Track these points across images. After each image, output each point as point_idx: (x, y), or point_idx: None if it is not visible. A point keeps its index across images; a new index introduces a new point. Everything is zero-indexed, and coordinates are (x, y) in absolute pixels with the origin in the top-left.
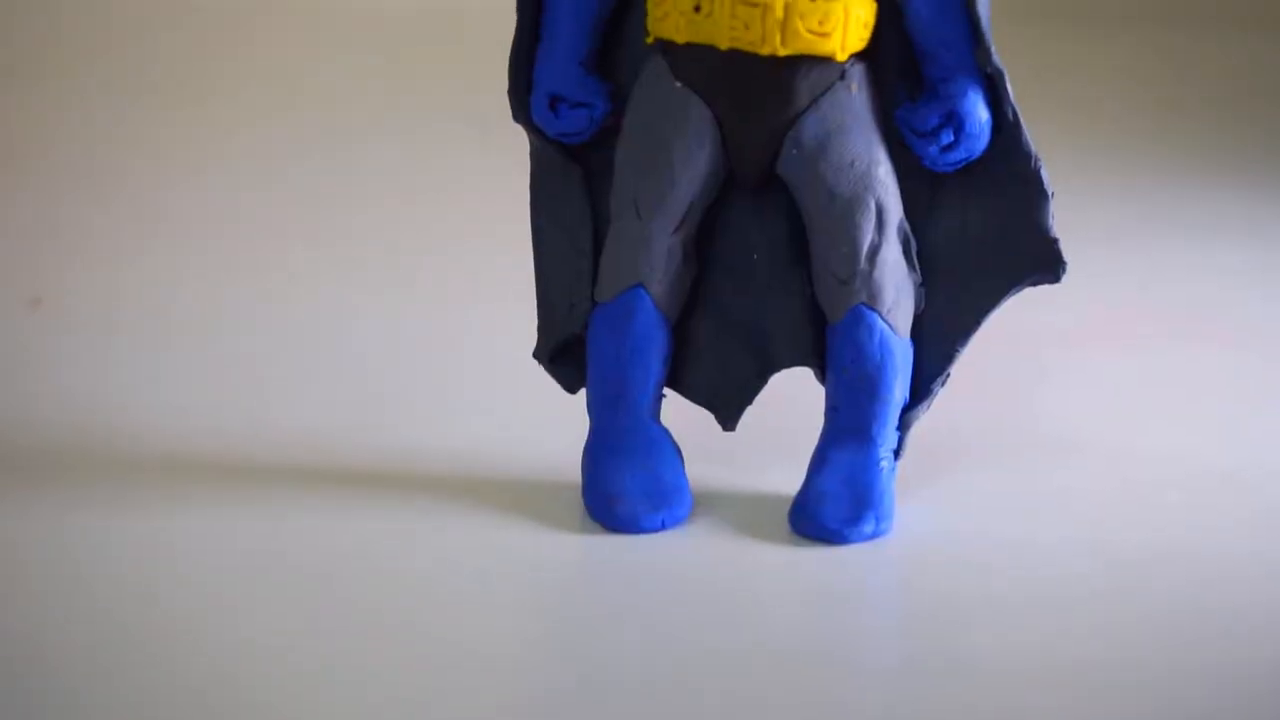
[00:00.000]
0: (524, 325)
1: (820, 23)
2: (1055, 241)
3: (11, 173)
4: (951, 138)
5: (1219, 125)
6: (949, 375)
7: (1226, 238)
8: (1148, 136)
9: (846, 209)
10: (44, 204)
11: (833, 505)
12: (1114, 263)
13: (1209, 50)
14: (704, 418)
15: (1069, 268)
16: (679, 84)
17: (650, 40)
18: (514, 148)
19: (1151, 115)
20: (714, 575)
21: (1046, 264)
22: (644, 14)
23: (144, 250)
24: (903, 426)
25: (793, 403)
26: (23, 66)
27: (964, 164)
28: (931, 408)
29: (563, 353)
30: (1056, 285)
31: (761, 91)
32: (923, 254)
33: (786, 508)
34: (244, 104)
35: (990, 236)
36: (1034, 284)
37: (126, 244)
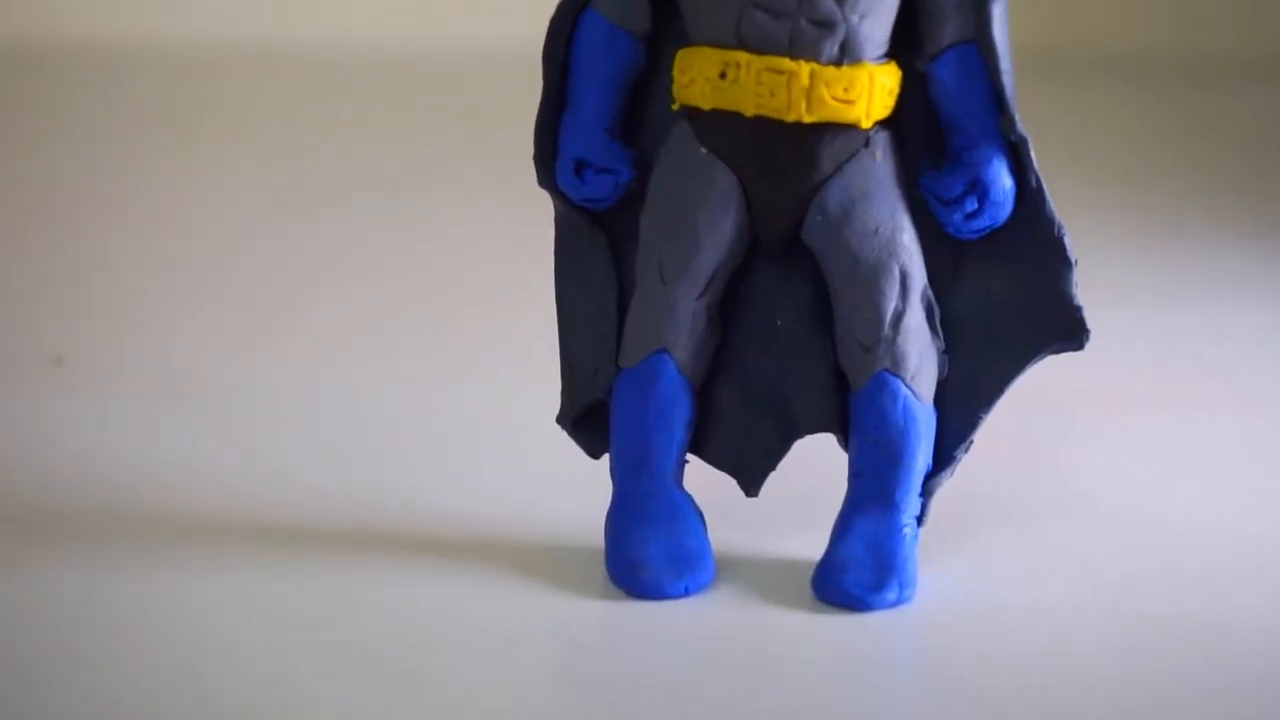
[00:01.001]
0: (548, 389)
1: (845, 90)
2: (1079, 309)
3: (33, 233)
4: (975, 205)
5: (1238, 183)
6: (972, 442)
7: (1247, 298)
8: (1166, 194)
9: (870, 275)
10: (65, 264)
11: (856, 572)
12: (1132, 322)
13: (1227, 106)
14: (727, 483)
15: (1092, 335)
16: (704, 150)
17: (676, 107)
18: (540, 209)
19: (1170, 173)
20: (737, 642)
21: (1070, 332)
22: (669, 80)
23: (165, 311)
24: (926, 493)
25: (816, 468)
26: (42, 127)
27: (988, 231)
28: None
29: (586, 417)
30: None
31: (787, 158)
32: (946, 321)
33: (810, 574)
34: (266, 165)
35: (1014, 304)
36: (1057, 351)
37: (147, 304)
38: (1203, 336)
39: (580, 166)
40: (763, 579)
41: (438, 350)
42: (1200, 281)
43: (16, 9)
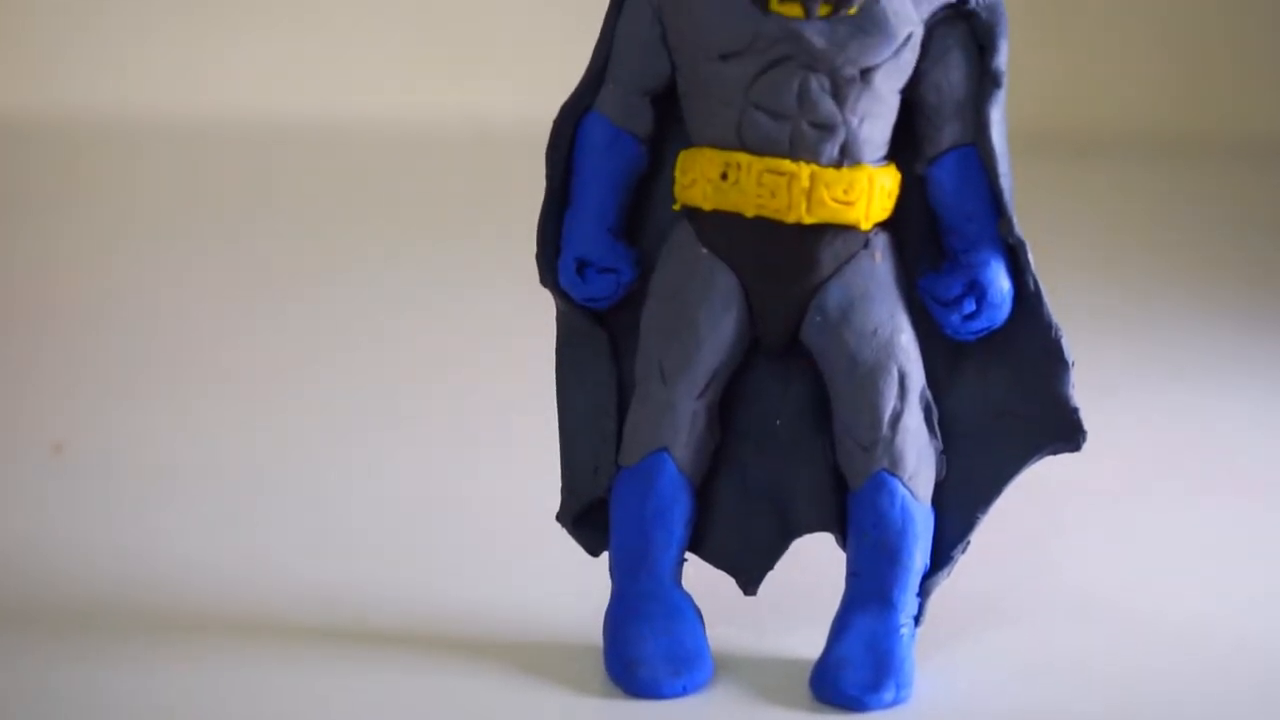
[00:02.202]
0: (549, 484)
1: (845, 192)
2: (1075, 411)
3: (31, 315)
4: (974, 307)
5: (1232, 262)
6: (969, 543)
7: (1243, 380)
8: (1157, 273)
9: (869, 376)
10: (65, 347)
11: (853, 671)
12: (1129, 406)
13: (1224, 183)
14: (725, 581)
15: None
16: (705, 250)
17: (677, 207)
18: (544, 295)
19: (1161, 251)
20: None
21: (1067, 433)
22: (671, 181)
23: (165, 394)
24: (923, 593)
25: (814, 567)
26: (41, 204)
27: (985, 333)
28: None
29: (587, 515)
30: None
31: (787, 259)
32: (944, 421)
33: (808, 672)
34: (266, 243)
35: (1011, 405)
36: (1054, 452)
37: (147, 388)
38: (1199, 419)
39: (582, 266)
40: (761, 677)
41: (438, 442)
42: (1196, 362)
43: (14, 83)
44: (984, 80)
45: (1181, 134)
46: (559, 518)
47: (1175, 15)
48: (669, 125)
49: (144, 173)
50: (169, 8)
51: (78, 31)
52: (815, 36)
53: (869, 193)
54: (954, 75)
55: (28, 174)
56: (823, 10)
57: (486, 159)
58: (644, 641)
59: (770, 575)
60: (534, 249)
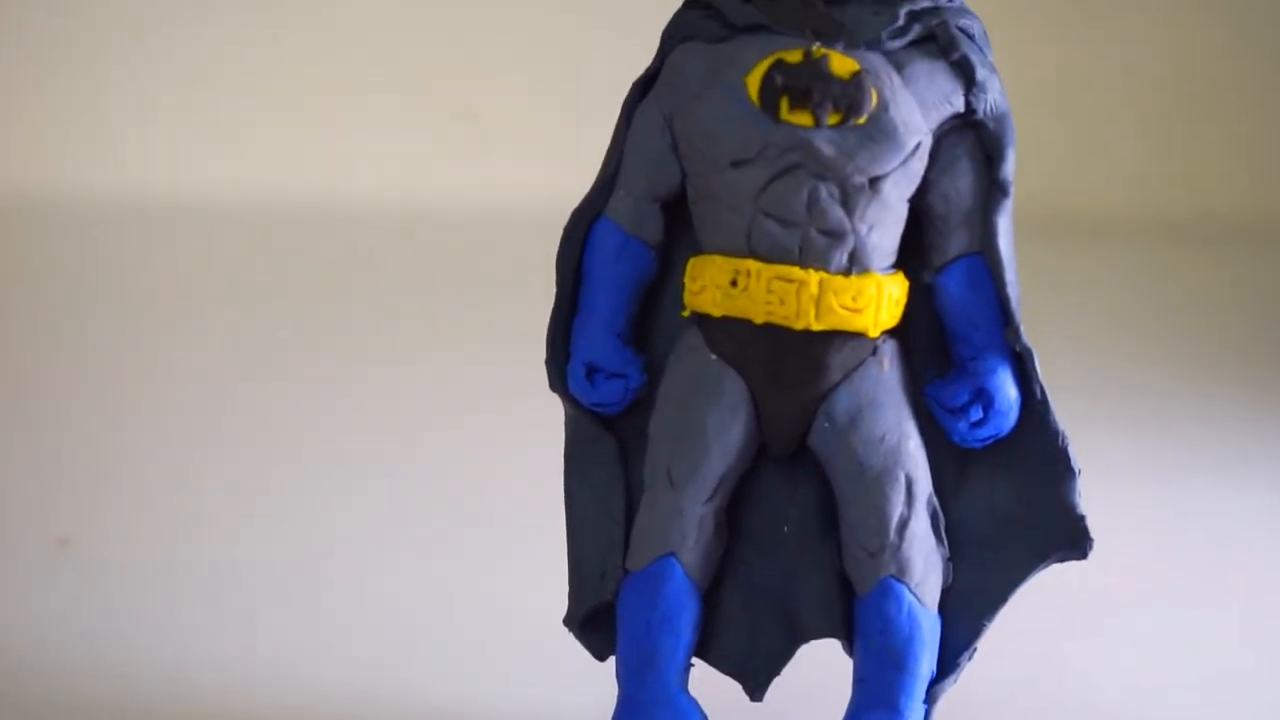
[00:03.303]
0: (554, 588)
1: (854, 299)
2: (1082, 519)
3: (35, 408)
4: (981, 414)
5: (1242, 352)
6: (976, 649)
7: (1254, 476)
8: (1165, 364)
9: (876, 482)
10: (71, 443)
11: None
12: (1134, 504)
13: (1225, 268)
14: (732, 686)
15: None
16: (714, 356)
17: (687, 313)
18: (550, 407)
19: (1169, 340)
20: None
21: (1073, 541)
22: (680, 287)
23: (171, 489)
24: (929, 700)
25: (820, 673)
26: (40, 291)
27: (992, 440)
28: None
29: (594, 619)
30: None
31: (795, 366)
32: (950, 528)
33: None
34: (269, 330)
35: (1017, 512)
36: (1060, 560)
37: (153, 482)
38: (1205, 518)
39: (591, 371)
40: None
41: (444, 541)
42: (1203, 459)
43: (11, 164)
44: (992, 190)
45: (1180, 218)
46: (566, 621)
47: (1169, 99)
48: (678, 231)
49: (147, 257)
50: (168, 88)
51: (74, 112)
52: (825, 145)
53: (877, 300)
54: (962, 184)
55: (25, 258)
56: (832, 119)
57: (496, 242)
58: None
59: (777, 681)
60: (544, 353)
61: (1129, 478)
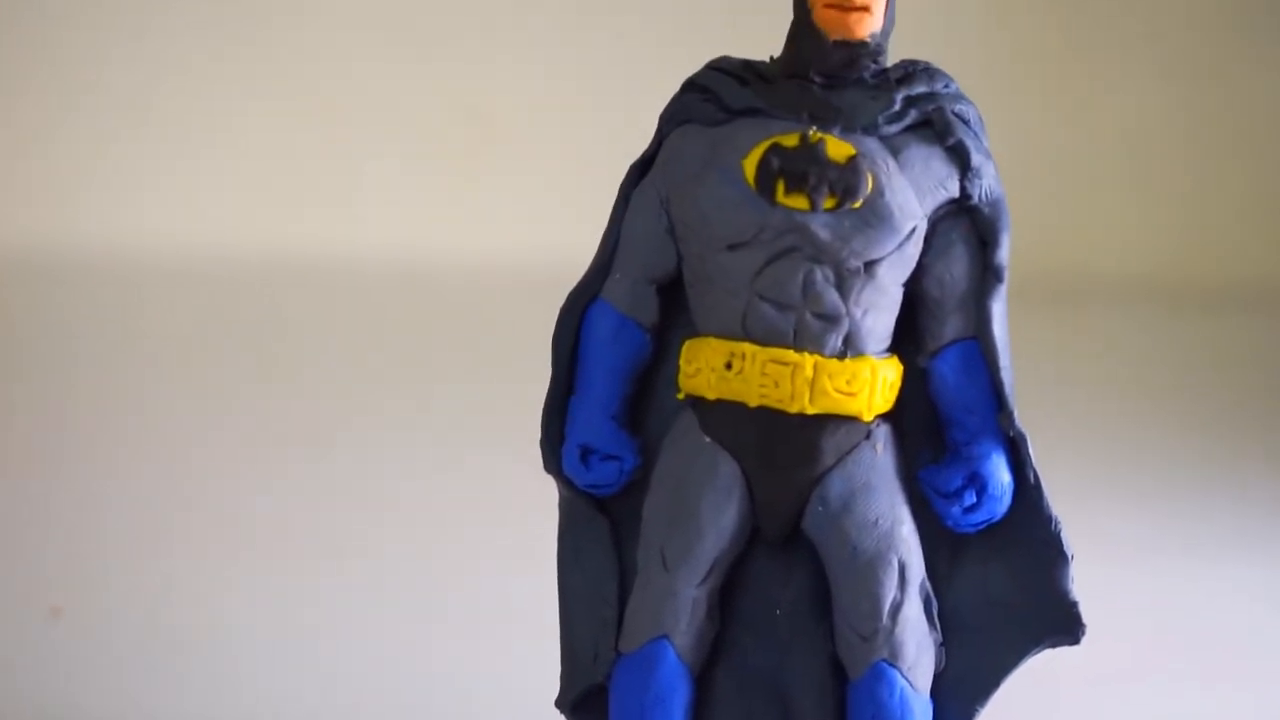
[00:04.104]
0: (546, 669)
1: (848, 383)
2: (1075, 605)
3: (28, 472)
4: (974, 499)
5: (1247, 424)
6: None
7: (1256, 551)
8: (1165, 435)
9: (869, 566)
10: (64, 511)
11: None
12: (1126, 581)
13: (1236, 337)
14: None
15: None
16: (708, 439)
17: (681, 396)
18: (543, 486)
19: (1170, 410)
20: None
21: (1066, 627)
22: (676, 370)
23: (162, 559)
24: None
25: None
26: (31, 348)
27: (985, 525)
28: None
29: (586, 702)
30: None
31: (789, 449)
32: (943, 613)
33: None
34: (264, 399)
35: (1010, 597)
36: (1053, 645)
37: (146, 552)
38: (1201, 597)
39: (586, 453)
40: None
41: (436, 619)
42: (1199, 532)
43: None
44: (986, 275)
45: (1182, 283)
46: (558, 703)
47: (1170, 161)
48: (674, 314)
49: (135, 317)
50: (169, 144)
51: (57, 170)
52: (820, 229)
53: (871, 384)
54: (957, 269)
55: (9, 319)
56: (828, 203)
57: (495, 303)
58: None
59: None
60: (538, 434)
61: (1127, 550)
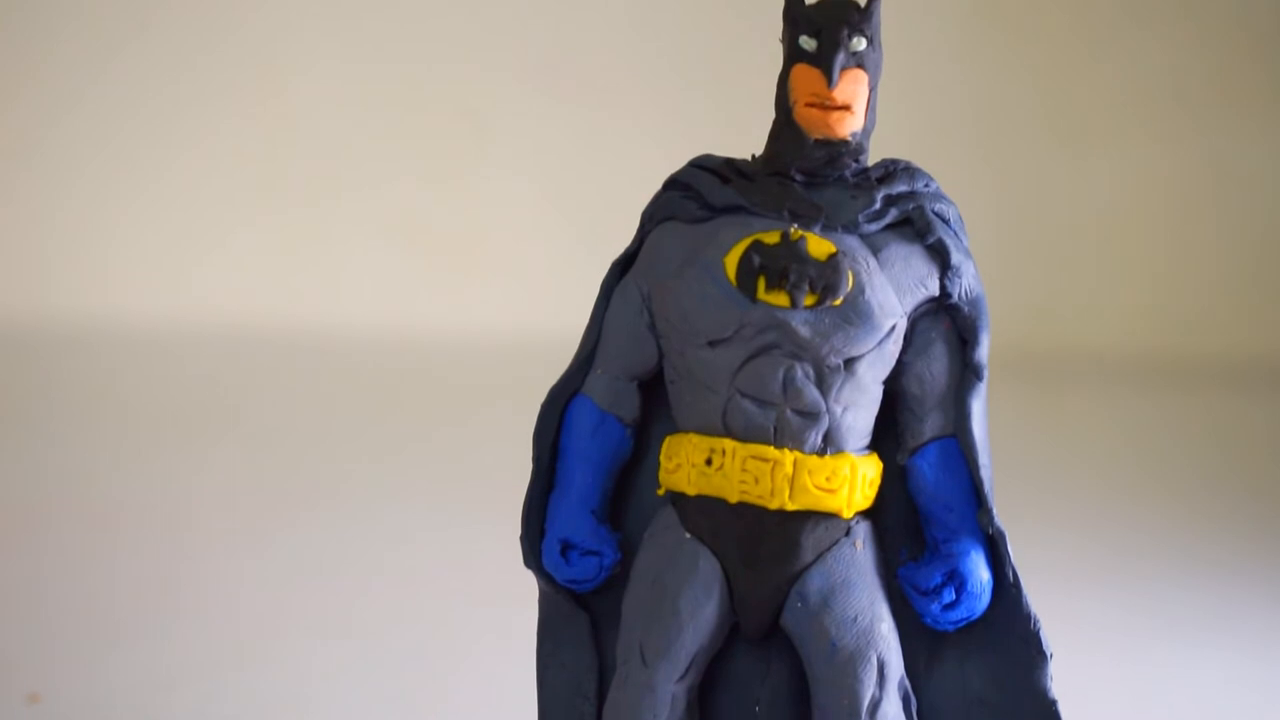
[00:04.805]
0: None
1: (828, 479)
2: (1054, 704)
3: (6, 564)
4: (953, 596)
5: (1227, 505)
6: None
7: (1233, 638)
8: (1153, 515)
9: (849, 663)
10: (42, 594)
11: None
12: (1107, 668)
13: (1227, 415)
14: None
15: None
16: (688, 535)
17: (661, 492)
18: (522, 581)
19: (1158, 490)
20: None
21: None
22: (656, 465)
23: (142, 643)
24: None
25: None
26: (17, 422)
27: (965, 623)
28: None
29: None
30: None
31: (769, 545)
32: (922, 711)
33: None
34: (251, 473)
35: (989, 695)
36: None
37: (125, 636)
38: (1184, 685)
39: (566, 548)
40: None
41: (413, 710)
42: (1181, 616)
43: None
44: (966, 373)
45: (1172, 359)
46: None
47: (1147, 237)
48: (655, 409)
49: (119, 388)
50: (159, 214)
51: (48, 239)
52: (801, 326)
53: (851, 481)
54: (936, 367)
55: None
56: (809, 300)
57: (480, 375)
58: None
59: None
60: (519, 529)
61: (1109, 635)
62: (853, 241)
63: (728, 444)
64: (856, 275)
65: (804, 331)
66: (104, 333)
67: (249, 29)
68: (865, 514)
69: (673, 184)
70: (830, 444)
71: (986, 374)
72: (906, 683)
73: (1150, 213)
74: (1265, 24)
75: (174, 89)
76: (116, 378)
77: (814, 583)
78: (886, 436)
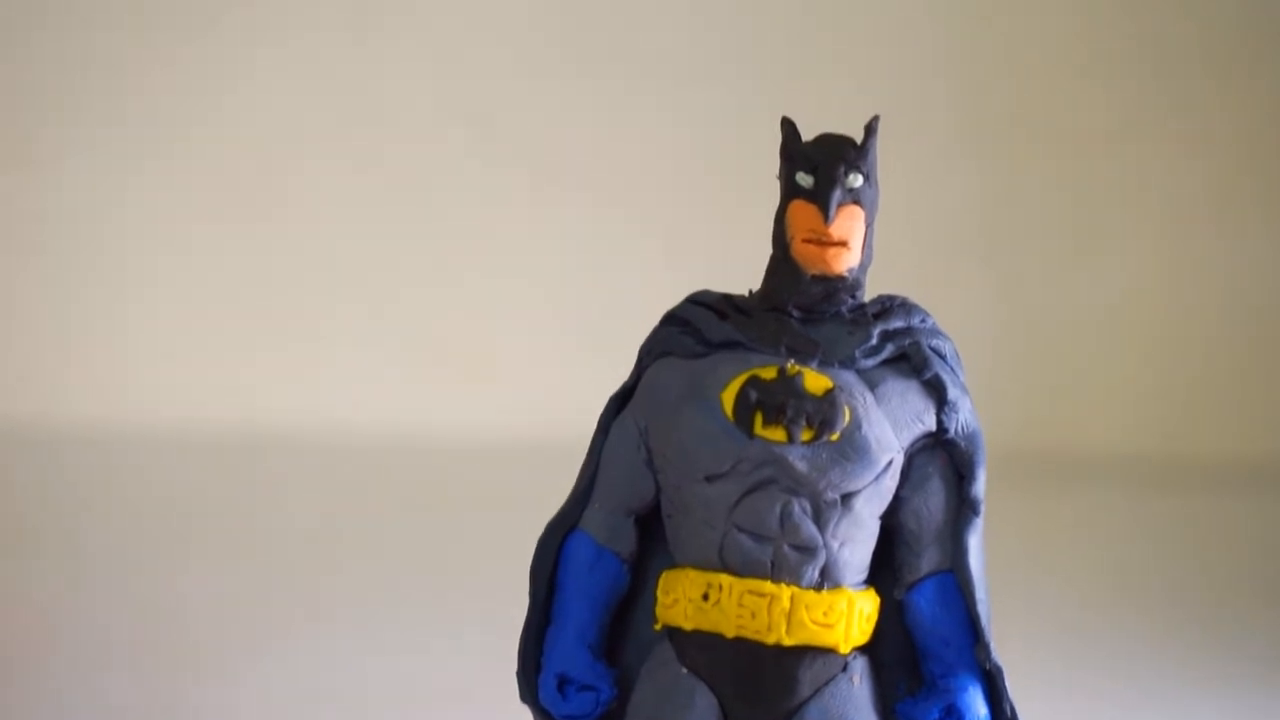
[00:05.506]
0: None
1: (825, 614)
2: None
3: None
4: None
5: (1243, 610)
6: None
7: None
8: (1156, 621)
9: None
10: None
11: None
12: None
13: (1233, 518)
14: None
15: None
16: (685, 670)
17: (658, 627)
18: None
19: (1161, 595)
20: None
21: None
22: (653, 600)
23: None
24: None
25: None
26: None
27: None
28: None
29: None
30: None
31: (766, 680)
32: None
33: None
34: (237, 581)
35: None
36: None
37: None
38: None
39: (562, 683)
40: None
41: None
42: None
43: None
44: (963, 508)
45: (1174, 460)
46: None
47: (1151, 336)
48: (652, 544)
49: (108, 491)
50: (158, 317)
51: (63, 342)
52: (798, 461)
53: (848, 616)
54: (933, 503)
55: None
56: (805, 435)
57: (485, 476)
58: None
59: None
60: (515, 664)
61: None
62: (849, 377)
63: (724, 579)
64: (853, 410)
65: (801, 466)
66: (77, 438)
67: (246, 131)
68: (862, 649)
69: (670, 319)
70: (827, 579)
71: (983, 509)
72: None
73: (1154, 311)
74: (1268, 130)
75: (167, 186)
76: (99, 485)
77: (811, 718)
78: (883, 571)
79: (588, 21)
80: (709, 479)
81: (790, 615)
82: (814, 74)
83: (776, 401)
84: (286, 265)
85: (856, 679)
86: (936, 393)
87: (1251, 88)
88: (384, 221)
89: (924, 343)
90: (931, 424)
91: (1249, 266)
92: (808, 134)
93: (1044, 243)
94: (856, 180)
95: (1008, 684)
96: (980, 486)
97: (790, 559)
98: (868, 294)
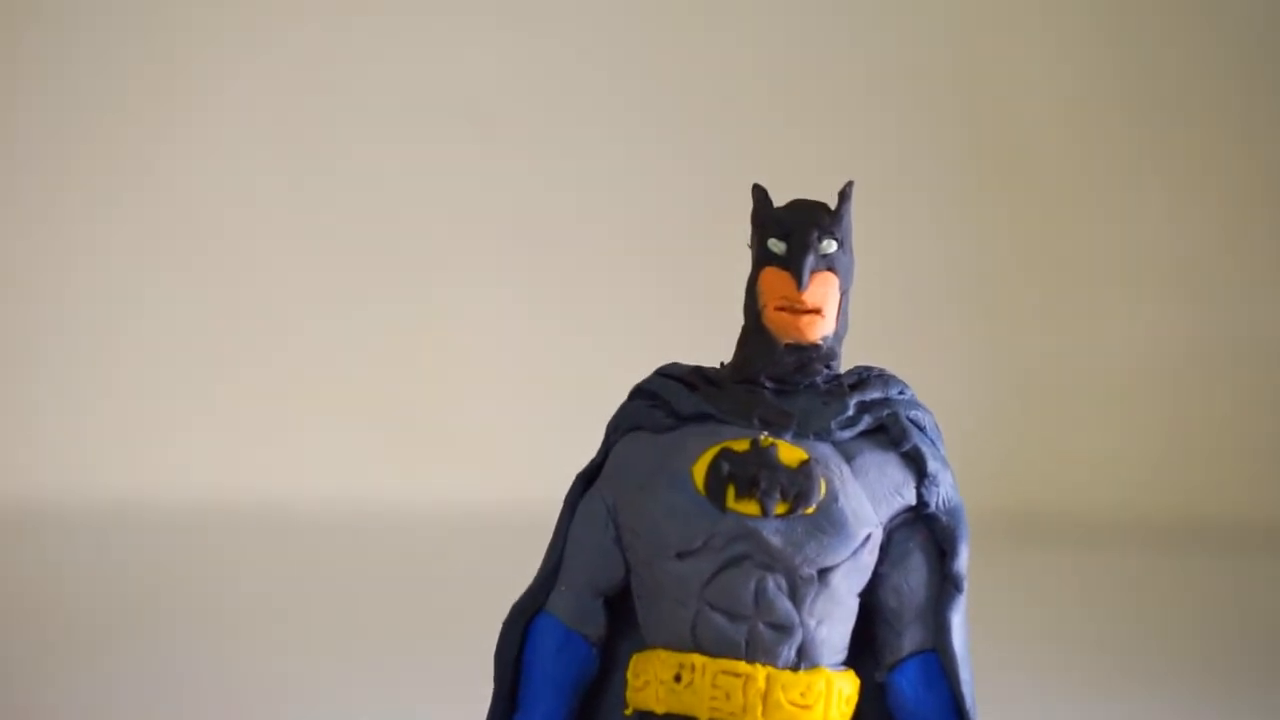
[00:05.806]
0: None
1: (802, 695)
2: None
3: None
4: None
5: (1243, 677)
6: None
7: None
8: (1153, 689)
9: None
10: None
11: None
12: None
13: (1233, 583)
14: None
15: None
16: None
17: (629, 711)
18: None
19: (1157, 660)
20: None
21: None
22: (623, 683)
23: None
24: None
25: None
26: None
27: None
28: None
29: None
30: None
31: None
32: None
33: None
34: (221, 657)
35: None
36: None
37: None
38: None
39: None
40: None
41: None
42: None
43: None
44: (945, 585)
45: (1171, 522)
46: None
47: (1157, 395)
48: (622, 626)
49: (66, 576)
50: (129, 391)
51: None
52: (772, 535)
53: (827, 697)
54: (914, 579)
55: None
56: (780, 508)
57: (450, 551)
58: None
59: None
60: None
61: None
62: (825, 449)
63: (697, 659)
64: (829, 483)
65: (776, 541)
66: (40, 515)
67: (204, 203)
68: None
69: (639, 393)
70: (804, 659)
71: (966, 585)
72: None
73: (1152, 367)
74: (1273, 191)
75: (129, 258)
76: (51, 565)
77: None
78: (863, 651)
79: (555, 91)
80: (680, 555)
81: (766, 696)
82: (787, 139)
83: (749, 473)
84: (251, 339)
85: None
86: (916, 465)
87: (1237, 145)
88: (349, 295)
89: (902, 414)
90: (911, 498)
91: (1237, 326)
92: (780, 200)
93: (1028, 304)
94: (831, 246)
95: None
96: (963, 562)
97: (765, 638)
98: (846, 364)
